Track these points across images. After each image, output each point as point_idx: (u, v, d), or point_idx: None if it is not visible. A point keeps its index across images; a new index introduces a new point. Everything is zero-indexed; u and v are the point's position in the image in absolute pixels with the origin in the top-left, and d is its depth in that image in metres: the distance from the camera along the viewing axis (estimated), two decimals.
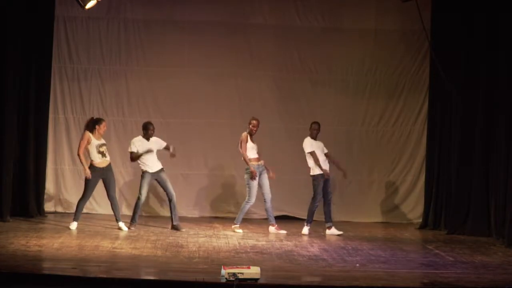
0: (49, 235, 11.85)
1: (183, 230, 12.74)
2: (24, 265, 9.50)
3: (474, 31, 13.21)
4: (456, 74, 13.55)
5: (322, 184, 12.89)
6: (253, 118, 13.00)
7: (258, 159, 12.95)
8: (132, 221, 12.80)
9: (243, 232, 12.92)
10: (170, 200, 12.84)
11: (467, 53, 13.38)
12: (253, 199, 12.94)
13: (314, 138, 13.03)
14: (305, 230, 13.00)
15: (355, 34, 14.72)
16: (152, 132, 12.78)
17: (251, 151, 12.91)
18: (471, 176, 13.30)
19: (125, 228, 12.59)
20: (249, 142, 12.93)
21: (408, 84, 14.88)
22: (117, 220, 12.68)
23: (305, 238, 12.65)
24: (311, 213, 13.01)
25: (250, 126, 12.93)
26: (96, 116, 13.29)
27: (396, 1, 13.50)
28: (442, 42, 13.82)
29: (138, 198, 12.77)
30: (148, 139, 12.78)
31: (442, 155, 14.06)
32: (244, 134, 12.96)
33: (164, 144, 12.90)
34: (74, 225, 12.53)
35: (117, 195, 14.25)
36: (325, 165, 12.94)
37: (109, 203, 12.87)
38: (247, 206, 13.02)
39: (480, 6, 13.01)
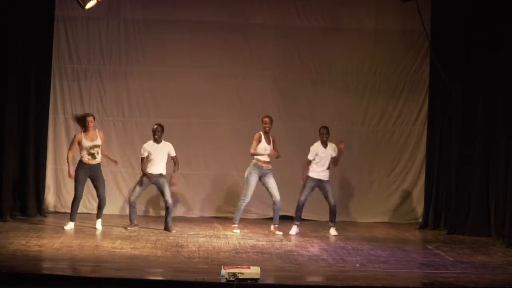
0: (49, 235, 11.86)
1: (174, 231, 12.66)
2: (24, 265, 9.51)
3: (474, 31, 13.21)
4: (456, 74, 13.56)
5: (309, 184, 12.88)
6: (265, 116, 12.97)
7: (264, 162, 12.86)
8: (130, 221, 12.82)
9: (241, 232, 12.90)
10: (166, 207, 12.79)
11: (467, 53, 13.38)
12: (247, 198, 12.91)
13: (324, 143, 12.98)
14: (292, 230, 13.00)
15: (355, 34, 14.71)
16: (158, 134, 12.70)
17: (261, 151, 12.86)
18: (471, 176, 13.31)
19: (99, 227, 12.52)
20: (262, 142, 12.87)
21: (408, 84, 14.87)
22: (98, 217, 12.65)
23: (305, 238, 12.64)
24: (296, 211, 13.04)
25: (263, 124, 12.89)
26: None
27: (396, 1, 13.50)
28: (442, 42, 13.82)
29: (128, 198, 12.77)
30: (156, 142, 12.73)
31: (442, 155, 14.05)
32: (257, 133, 12.94)
33: (173, 153, 12.77)
34: (70, 226, 12.51)
35: (118, 196, 14.34)
36: (322, 171, 12.91)
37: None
38: (242, 205, 12.98)
39: (480, 6, 13.01)
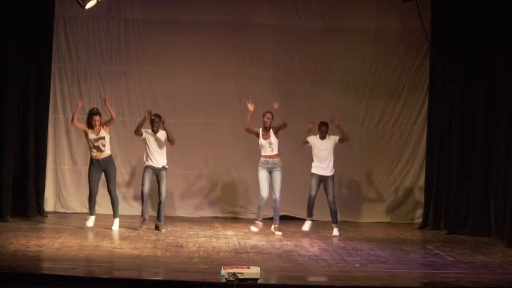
0: (49, 235, 11.86)
1: (163, 231, 12.61)
2: (24, 265, 9.51)
3: (474, 31, 13.21)
4: (456, 74, 13.56)
5: (313, 181, 12.92)
6: (267, 111, 12.92)
7: (269, 156, 12.80)
8: (141, 215, 12.78)
9: (242, 232, 12.90)
10: (159, 201, 12.72)
11: (467, 53, 13.38)
12: (263, 194, 12.76)
13: (322, 137, 12.99)
14: (305, 225, 13.05)
15: (355, 34, 14.72)
16: (156, 125, 12.64)
17: (261, 148, 12.82)
18: (471, 176, 13.30)
19: (115, 228, 12.46)
20: (260, 138, 12.84)
21: (408, 84, 14.88)
22: (113, 216, 12.60)
23: (305, 238, 12.64)
24: (307, 207, 13.07)
25: (264, 118, 12.84)
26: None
27: (396, 1, 13.50)
28: (442, 42, 13.82)
29: (141, 190, 12.72)
30: (154, 132, 12.69)
31: (442, 155, 14.06)
32: (258, 129, 12.91)
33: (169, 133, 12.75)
34: (90, 220, 12.53)
35: (118, 196, 14.31)
36: (322, 164, 12.92)
37: (108, 204, 12.85)
38: (260, 202, 12.86)
39: (480, 6, 13.01)
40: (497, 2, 12.68)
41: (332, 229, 12.96)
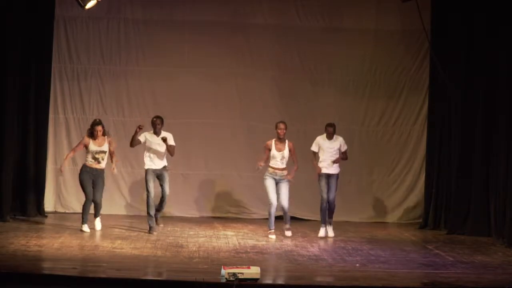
0: (49, 235, 11.86)
1: (161, 225, 12.65)
2: (24, 265, 9.52)
3: (474, 31, 13.21)
4: (456, 74, 13.56)
5: (322, 182, 12.87)
6: (280, 122, 12.70)
7: (278, 168, 12.58)
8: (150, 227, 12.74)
9: (241, 232, 12.91)
10: (162, 198, 12.67)
11: (467, 53, 13.38)
12: (272, 201, 12.61)
13: (329, 135, 12.89)
14: (321, 232, 12.94)
15: (355, 34, 14.72)
16: (158, 127, 12.58)
17: (272, 159, 12.62)
18: (471, 176, 13.30)
19: (98, 227, 12.38)
20: (273, 149, 12.66)
21: (408, 84, 14.88)
22: (95, 216, 12.47)
23: (305, 238, 12.64)
24: (321, 212, 12.98)
25: (277, 129, 12.64)
26: (96, 116, 13.32)
27: (396, 1, 13.50)
28: (442, 42, 13.82)
29: (147, 195, 12.64)
30: (156, 134, 12.60)
31: (442, 155, 14.06)
32: (267, 142, 12.70)
33: (170, 142, 12.53)
34: (85, 227, 12.37)
35: (118, 196, 14.34)
36: (329, 165, 12.88)
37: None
38: (270, 209, 12.68)
39: (480, 6, 13.02)
40: (497, 2, 12.68)
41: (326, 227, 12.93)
